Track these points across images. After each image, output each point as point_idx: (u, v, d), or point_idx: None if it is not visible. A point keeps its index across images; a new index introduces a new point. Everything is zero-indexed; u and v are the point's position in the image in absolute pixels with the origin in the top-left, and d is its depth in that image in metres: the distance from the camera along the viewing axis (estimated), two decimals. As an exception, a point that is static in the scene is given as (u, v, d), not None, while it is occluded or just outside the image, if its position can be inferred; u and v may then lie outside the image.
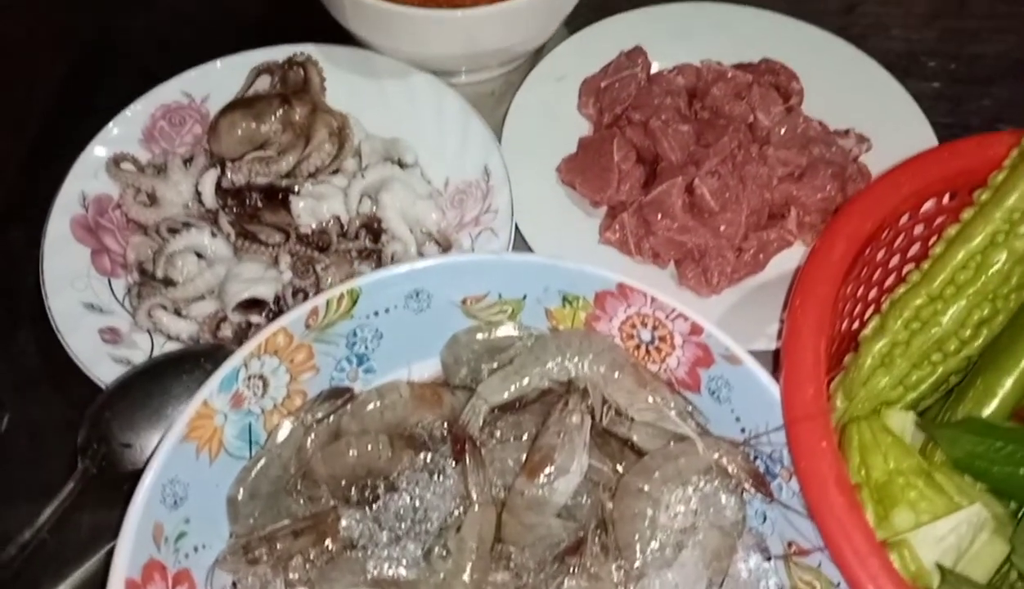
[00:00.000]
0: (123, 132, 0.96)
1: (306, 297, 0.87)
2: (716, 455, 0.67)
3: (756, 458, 0.69)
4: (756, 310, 0.88)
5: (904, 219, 0.77)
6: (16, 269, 0.93)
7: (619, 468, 0.71)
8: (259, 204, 0.91)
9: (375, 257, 0.89)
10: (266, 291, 0.85)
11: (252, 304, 0.85)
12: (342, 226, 0.92)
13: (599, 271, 0.73)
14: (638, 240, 0.90)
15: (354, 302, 0.74)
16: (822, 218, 0.91)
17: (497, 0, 0.93)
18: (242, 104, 0.94)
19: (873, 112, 0.99)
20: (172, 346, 0.86)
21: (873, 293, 0.81)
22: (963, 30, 1.15)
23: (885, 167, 0.91)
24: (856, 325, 0.79)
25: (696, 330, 0.71)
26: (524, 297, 0.76)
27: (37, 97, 1.09)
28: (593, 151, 0.94)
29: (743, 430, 0.70)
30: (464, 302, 0.76)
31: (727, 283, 0.88)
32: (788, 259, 0.92)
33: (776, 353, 0.84)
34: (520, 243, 0.91)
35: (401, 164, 0.95)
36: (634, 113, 0.96)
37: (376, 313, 0.75)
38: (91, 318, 0.85)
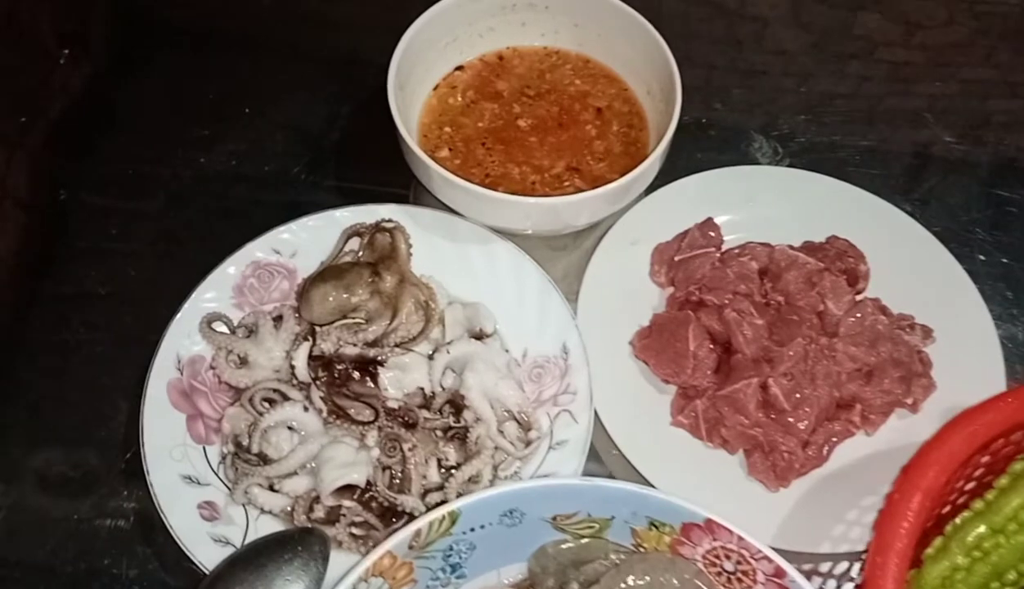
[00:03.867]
0: (216, 290, 0.99)
1: (392, 477, 0.91)
2: None
3: None
4: (820, 508, 0.92)
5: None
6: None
7: None
8: (348, 374, 0.95)
9: (459, 438, 0.93)
10: (359, 477, 0.89)
11: (345, 487, 0.89)
12: (425, 397, 0.96)
13: (688, 505, 0.77)
14: (710, 427, 0.95)
15: (453, 522, 0.78)
16: (885, 413, 0.96)
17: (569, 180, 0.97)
18: (333, 274, 0.97)
19: (932, 292, 1.03)
20: (265, 520, 0.90)
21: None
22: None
23: (946, 356, 0.96)
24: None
25: (780, 573, 0.76)
26: (612, 518, 0.80)
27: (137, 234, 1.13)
28: (668, 333, 0.97)
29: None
30: (555, 518, 0.81)
31: (795, 477, 0.93)
32: (849, 449, 0.96)
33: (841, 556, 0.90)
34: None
35: (482, 334, 0.99)
36: (708, 294, 0.99)
37: (472, 529, 0.79)
38: (190, 492, 0.89)
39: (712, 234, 1.03)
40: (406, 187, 1.14)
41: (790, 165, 1.17)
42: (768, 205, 1.09)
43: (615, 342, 1.00)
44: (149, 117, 1.22)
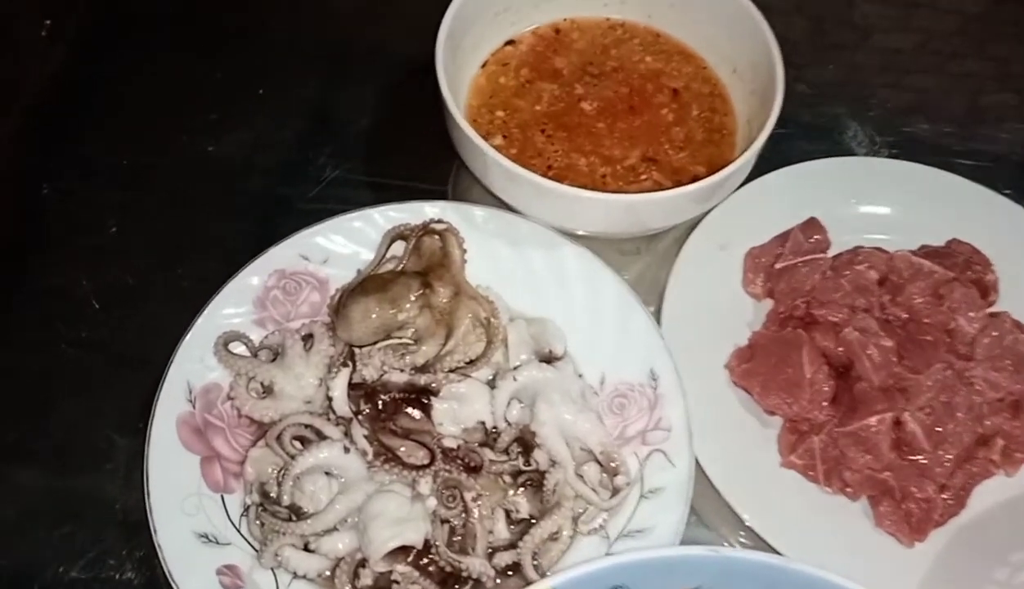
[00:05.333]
0: (233, 304, 0.83)
1: (452, 533, 0.75)
2: None
3: None
4: (963, 566, 0.78)
5: None
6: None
7: None
8: (395, 407, 0.79)
9: (531, 485, 0.78)
10: (415, 535, 0.73)
11: (398, 548, 0.73)
12: (487, 433, 0.80)
13: (844, 583, 0.62)
14: (828, 469, 0.80)
15: (548, 601, 0.63)
16: (1031, 449, 0.81)
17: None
18: (375, 285, 0.81)
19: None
20: (298, 584, 0.74)
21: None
22: None
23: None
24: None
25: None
26: (739, 593, 0.65)
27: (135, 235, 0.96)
28: (775, 356, 0.82)
29: None
30: (668, 594, 0.65)
31: (932, 528, 0.78)
32: (987, 492, 0.82)
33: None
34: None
35: (551, 356, 0.83)
36: (820, 310, 0.84)
37: (568, 609, 0.64)
38: (206, 554, 0.73)
39: (818, 237, 0.88)
40: (443, 182, 0.99)
41: (890, 157, 1.01)
42: (874, 203, 0.94)
43: (707, 366, 0.85)
44: (146, 100, 1.05)
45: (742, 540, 0.81)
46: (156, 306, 0.90)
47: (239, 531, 0.76)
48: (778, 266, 0.87)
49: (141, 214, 0.97)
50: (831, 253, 0.89)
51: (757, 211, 0.92)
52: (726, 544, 0.81)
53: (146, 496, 0.74)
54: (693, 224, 0.91)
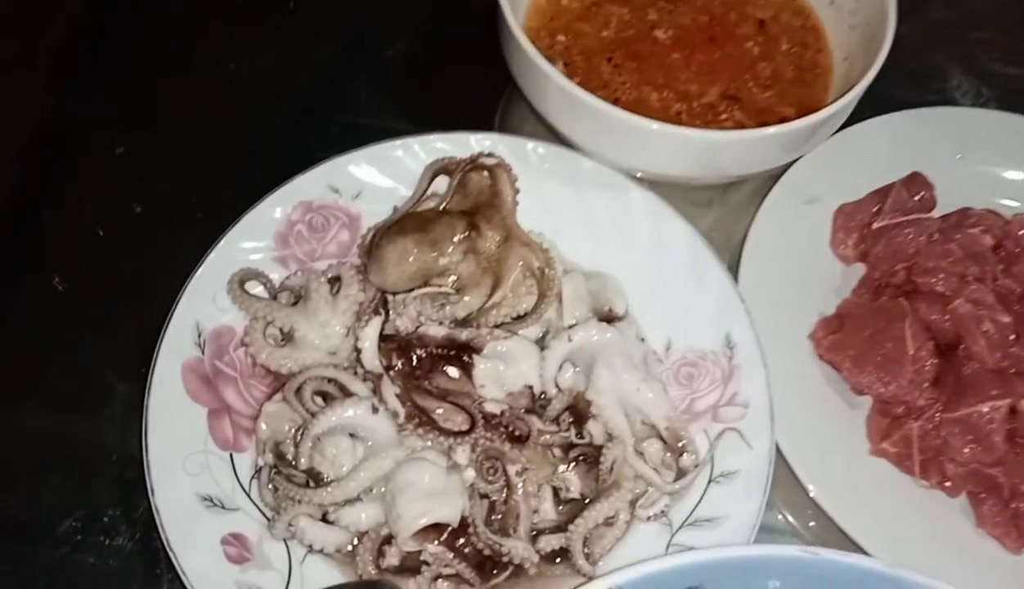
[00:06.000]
0: (252, 238, 0.73)
1: (492, 511, 0.66)
2: None
3: None
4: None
5: None
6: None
7: None
8: (432, 364, 0.69)
9: (585, 461, 0.67)
10: (451, 512, 0.63)
11: (431, 525, 0.63)
12: (534, 399, 0.70)
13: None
14: (927, 460, 0.70)
15: (609, 603, 0.53)
16: None
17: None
18: (414, 224, 0.71)
19: None
20: (315, 564, 0.65)
21: None
22: None
23: None
24: None
25: None
26: (836, 602, 0.55)
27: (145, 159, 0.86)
28: (871, 328, 0.72)
29: None
30: (750, 600, 0.55)
31: (1044, 534, 0.67)
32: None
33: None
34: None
35: (611, 315, 0.73)
36: (924, 278, 0.73)
37: (632, 612, 0.54)
38: (210, 521, 0.65)
39: (924, 194, 0.78)
40: (488, 120, 0.89)
41: (998, 110, 0.89)
42: (983, 160, 0.84)
43: (787, 336, 0.75)
44: (161, 9, 0.93)
45: (811, 528, 0.72)
46: (165, 239, 0.82)
47: (249, 496, 0.67)
48: (875, 226, 0.77)
49: (152, 137, 0.87)
50: (935, 214, 0.78)
51: (850, 163, 0.82)
52: (796, 538, 0.72)
53: (144, 451, 0.65)
54: (774, 176, 0.80)
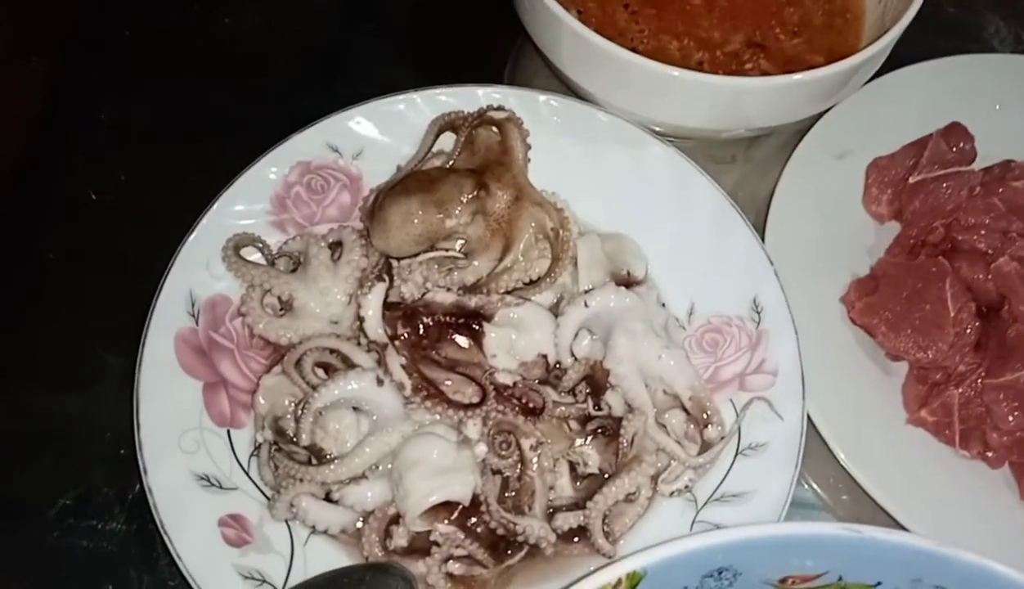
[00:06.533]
0: (247, 200, 0.69)
1: (506, 488, 0.62)
2: None
3: None
4: None
5: None
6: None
7: None
8: (440, 332, 0.65)
9: (603, 433, 0.64)
10: (462, 489, 0.60)
11: (440, 504, 0.60)
12: (549, 369, 0.66)
13: (1014, 575, 0.48)
14: (968, 429, 0.66)
15: (633, 586, 0.49)
16: None
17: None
18: (419, 184, 0.66)
19: None
20: (319, 545, 0.61)
21: None
22: None
23: None
24: None
25: None
26: (877, 585, 0.51)
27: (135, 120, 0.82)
28: (907, 289, 0.67)
29: None
30: (784, 581, 0.51)
31: (1094, 510, 0.63)
32: None
33: None
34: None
35: (629, 279, 0.68)
36: (964, 235, 0.68)
37: (659, 595, 0.50)
38: (207, 501, 0.61)
39: (964, 146, 0.73)
40: (498, 74, 0.85)
41: (1040, 58, 0.85)
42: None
43: (818, 299, 0.72)
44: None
45: (843, 502, 0.69)
46: (158, 205, 0.77)
47: (248, 474, 0.64)
48: (911, 180, 0.73)
49: (142, 95, 0.83)
50: (975, 167, 0.73)
51: (884, 114, 0.78)
52: (827, 512, 0.68)
53: (136, 428, 0.61)
54: (802, 129, 0.76)
